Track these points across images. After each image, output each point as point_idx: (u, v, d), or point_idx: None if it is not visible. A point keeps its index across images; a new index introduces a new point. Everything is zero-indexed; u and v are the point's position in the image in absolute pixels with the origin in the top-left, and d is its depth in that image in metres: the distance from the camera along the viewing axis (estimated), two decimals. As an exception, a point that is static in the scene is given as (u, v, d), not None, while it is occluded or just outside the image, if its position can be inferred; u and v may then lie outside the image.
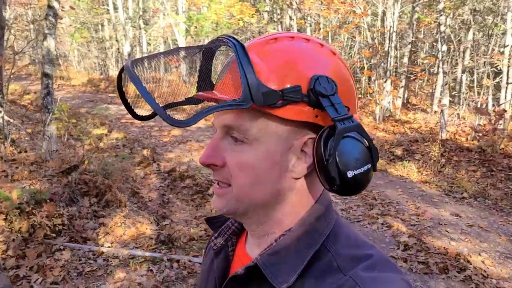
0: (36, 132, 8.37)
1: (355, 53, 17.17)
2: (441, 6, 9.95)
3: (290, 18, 17.04)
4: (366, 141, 0.64)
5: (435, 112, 14.87)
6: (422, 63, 17.93)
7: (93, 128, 10.14)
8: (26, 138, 6.75)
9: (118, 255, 3.93)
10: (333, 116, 0.62)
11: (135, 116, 0.70)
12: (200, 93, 0.69)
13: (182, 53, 0.69)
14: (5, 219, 3.96)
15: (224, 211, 0.70)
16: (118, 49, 27.11)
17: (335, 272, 0.62)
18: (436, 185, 7.13)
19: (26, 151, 6.14)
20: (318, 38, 0.70)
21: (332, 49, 0.69)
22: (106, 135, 9.83)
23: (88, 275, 3.58)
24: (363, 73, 15.08)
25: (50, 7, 5.64)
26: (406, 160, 8.57)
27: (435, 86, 15.74)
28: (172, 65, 0.57)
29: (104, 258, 3.87)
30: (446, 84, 10.24)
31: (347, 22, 16.11)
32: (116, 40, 26.50)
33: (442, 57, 10.18)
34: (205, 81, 0.71)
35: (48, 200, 4.28)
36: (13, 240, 3.83)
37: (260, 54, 0.63)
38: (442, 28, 10.17)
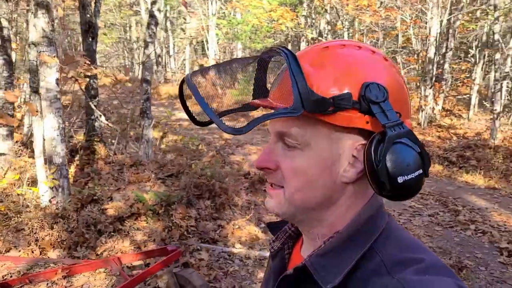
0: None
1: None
2: (496, 14, 10.06)
3: (328, 23, 17.22)
4: (417, 147, 0.65)
5: (474, 118, 14.94)
6: (454, 69, 18.00)
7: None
8: (113, 141, 6.99)
9: (250, 255, 4.15)
10: (383, 122, 0.63)
11: (196, 122, 0.74)
12: (255, 100, 0.73)
13: (237, 64, 0.72)
14: (145, 221, 4.21)
15: (276, 211, 0.72)
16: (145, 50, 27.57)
17: (382, 274, 0.62)
18: (506, 191, 7.27)
19: (115, 154, 6.39)
20: (370, 45, 0.72)
21: (384, 55, 0.71)
22: (162, 137, 10.07)
23: (233, 274, 3.81)
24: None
25: (152, 16, 5.89)
26: (461, 166, 8.75)
27: (472, 92, 15.83)
28: (228, 76, 0.73)
29: (238, 258, 4.10)
30: (499, 91, 10.35)
31: (386, 28, 16.26)
32: (144, 41, 26.92)
33: (496, 65, 10.27)
34: (260, 90, 0.74)
35: (175, 203, 4.52)
36: (154, 240, 4.06)
37: (311, 62, 0.66)
38: (496, 36, 10.27)
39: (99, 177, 5.54)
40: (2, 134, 5.37)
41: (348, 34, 17.01)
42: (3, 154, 5.37)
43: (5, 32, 5.24)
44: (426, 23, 12.70)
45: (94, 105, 6.09)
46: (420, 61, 13.67)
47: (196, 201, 4.87)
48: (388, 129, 0.63)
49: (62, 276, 2.70)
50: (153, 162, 5.94)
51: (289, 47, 20.51)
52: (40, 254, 3.54)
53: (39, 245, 3.60)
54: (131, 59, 28.84)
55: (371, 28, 16.42)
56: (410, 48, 16.27)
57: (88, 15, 6.05)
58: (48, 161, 4.32)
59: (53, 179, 4.28)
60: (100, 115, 6.00)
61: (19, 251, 3.50)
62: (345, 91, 0.63)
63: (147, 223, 4.20)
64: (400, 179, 0.62)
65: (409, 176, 0.63)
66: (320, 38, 17.60)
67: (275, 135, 0.71)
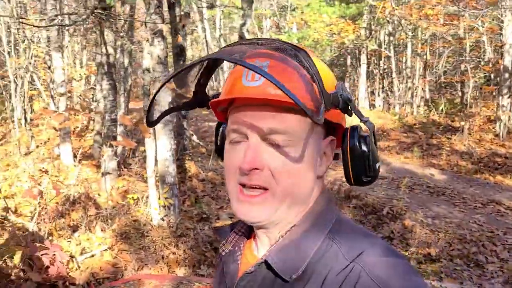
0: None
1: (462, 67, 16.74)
2: None
3: (390, 33, 16.96)
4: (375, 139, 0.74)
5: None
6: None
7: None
8: (199, 159, 7.19)
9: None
10: (363, 119, 0.69)
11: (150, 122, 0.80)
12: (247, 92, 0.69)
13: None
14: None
15: (264, 219, 0.70)
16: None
17: (340, 260, 0.65)
18: None
19: (205, 172, 6.54)
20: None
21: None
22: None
23: None
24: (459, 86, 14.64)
25: (241, 37, 6.06)
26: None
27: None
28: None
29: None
30: None
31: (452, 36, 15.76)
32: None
33: None
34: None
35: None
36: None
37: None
38: None
39: (196, 195, 5.69)
40: (109, 154, 5.66)
41: (412, 45, 16.65)
42: (109, 173, 5.66)
43: (111, 58, 5.57)
44: (501, 29, 12.20)
45: (185, 125, 6.31)
46: (496, 70, 13.12)
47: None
48: (368, 123, 0.70)
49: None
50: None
51: (348, 60, 20.38)
52: (168, 272, 3.67)
53: (166, 263, 3.73)
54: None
55: (435, 37, 16.00)
56: (474, 56, 15.63)
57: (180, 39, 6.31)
58: (161, 180, 4.50)
59: (166, 198, 4.46)
60: (192, 134, 6.21)
61: (150, 269, 3.64)
62: (335, 90, 0.68)
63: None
64: (377, 165, 0.72)
65: (379, 163, 0.73)
66: (380, 49, 17.36)
67: (260, 133, 0.68)
